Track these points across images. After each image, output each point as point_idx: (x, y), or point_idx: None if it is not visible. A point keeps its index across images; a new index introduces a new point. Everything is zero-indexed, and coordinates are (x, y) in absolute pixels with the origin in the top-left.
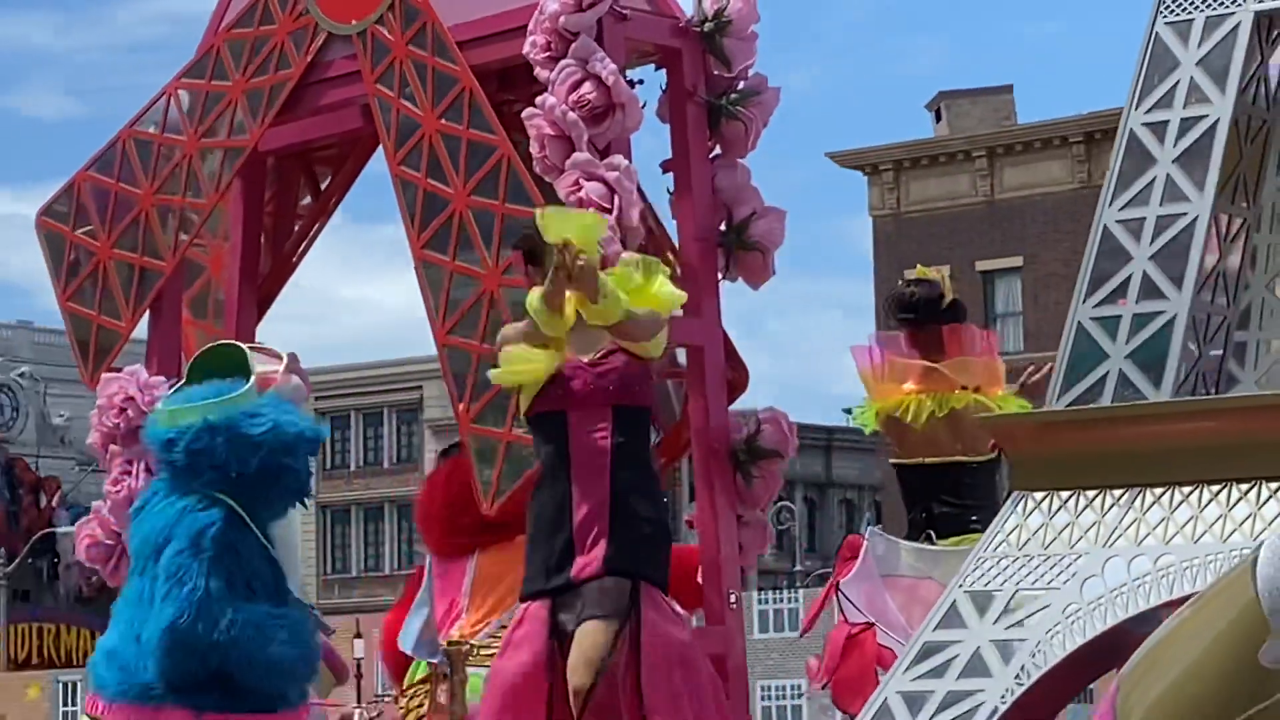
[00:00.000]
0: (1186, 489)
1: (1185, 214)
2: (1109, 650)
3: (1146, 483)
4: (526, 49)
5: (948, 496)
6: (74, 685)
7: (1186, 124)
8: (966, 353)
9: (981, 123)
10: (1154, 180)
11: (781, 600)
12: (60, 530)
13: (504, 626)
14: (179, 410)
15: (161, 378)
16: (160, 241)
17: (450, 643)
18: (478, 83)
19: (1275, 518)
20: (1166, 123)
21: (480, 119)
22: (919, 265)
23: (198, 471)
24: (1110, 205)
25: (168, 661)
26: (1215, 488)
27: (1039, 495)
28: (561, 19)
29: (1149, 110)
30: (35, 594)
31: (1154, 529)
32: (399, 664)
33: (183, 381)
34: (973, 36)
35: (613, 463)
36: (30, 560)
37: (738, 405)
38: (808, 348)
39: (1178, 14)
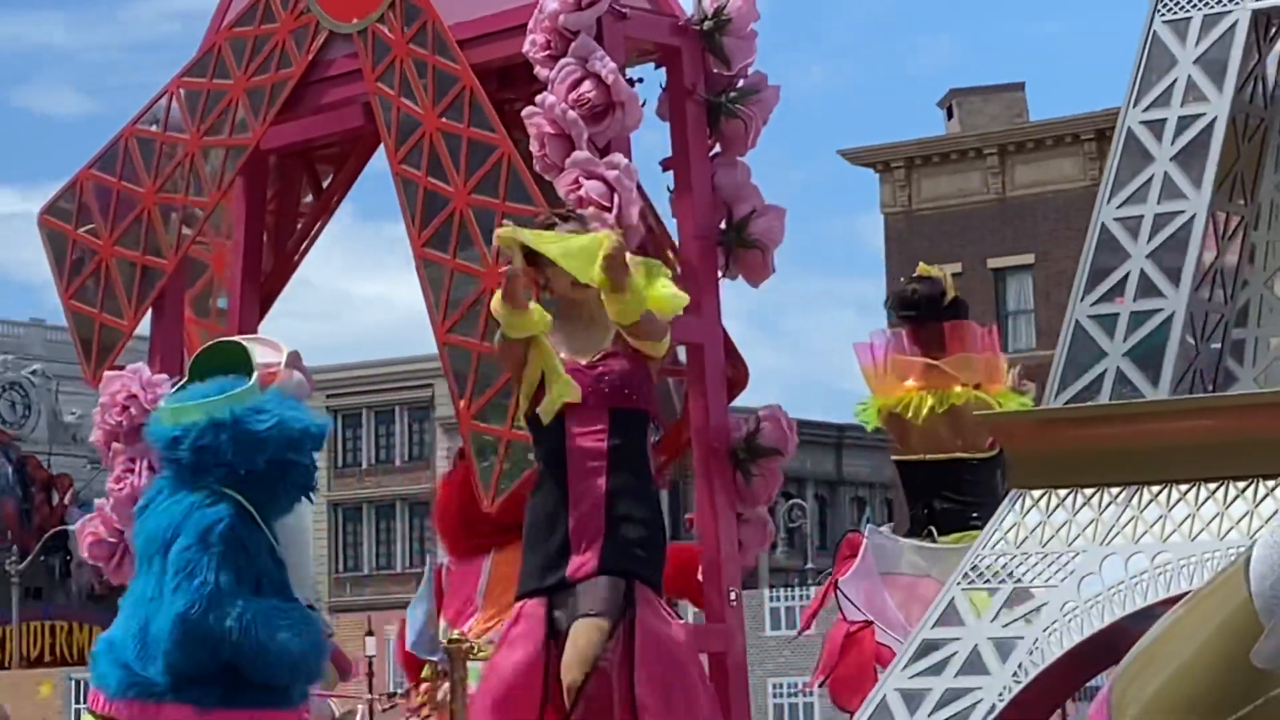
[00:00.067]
0: (1184, 487)
1: (1183, 212)
2: (1106, 648)
3: (1144, 481)
4: (526, 48)
5: (949, 492)
6: (86, 683)
7: (1184, 122)
8: (968, 350)
9: (993, 120)
10: (1152, 178)
11: (793, 598)
12: (72, 528)
13: None
14: (182, 408)
15: (164, 375)
16: (162, 240)
17: (450, 640)
18: (478, 81)
19: (1272, 515)
20: (1164, 121)
21: (481, 117)
22: (921, 263)
23: (204, 469)
24: (1108, 203)
25: (178, 652)
26: (1212, 486)
27: (1037, 493)
28: (561, 18)
29: (1147, 108)
30: (47, 592)
31: (1151, 527)
32: (413, 659)
33: (185, 380)
34: (984, 34)
35: (609, 465)
36: (42, 558)
37: (748, 404)
38: (819, 345)
39: (1175, 12)
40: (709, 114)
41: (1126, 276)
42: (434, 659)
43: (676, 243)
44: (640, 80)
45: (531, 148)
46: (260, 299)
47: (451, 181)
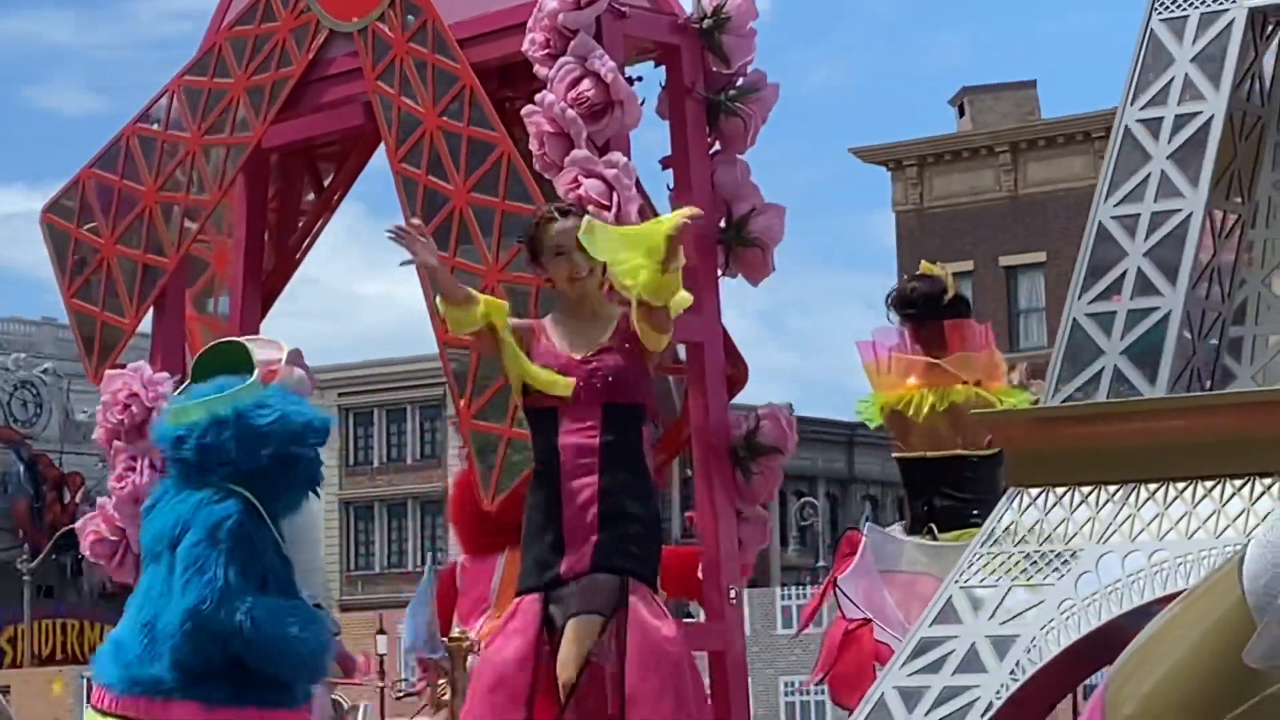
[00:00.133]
0: (1181, 485)
1: (1180, 210)
2: (1104, 646)
3: (1141, 478)
4: (525, 46)
5: (949, 490)
6: None
7: (1181, 120)
8: (968, 348)
9: (1005, 118)
10: (1149, 176)
11: (805, 596)
12: None
13: None
14: (185, 408)
15: (165, 374)
16: (164, 238)
17: (451, 638)
18: (478, 80)
19: (1268, 513)
20: (1161, 119)
21: (480, 116)
22: (924, 261)
23: (209, 466)
24: (1105, 201)
25: (188, 646)
26: (1209, 483)
27: (1035, 491)
28: (560, 16)
29: (1144, 107)
30: (59, 590)
31: (1148, 525)
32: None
33: (188, 382)
34: (996, 32)
35: (602, 461)
36: (54, 556)
37: (757, 401)
38: (830, 343)
39: (1172, 10)
40: (708, 112)
41: (1124, 275)
42: (435, 657)
43: None
44: (639, 78)
45: (531, 146)
46: (262, 297)
47: (451, 180)
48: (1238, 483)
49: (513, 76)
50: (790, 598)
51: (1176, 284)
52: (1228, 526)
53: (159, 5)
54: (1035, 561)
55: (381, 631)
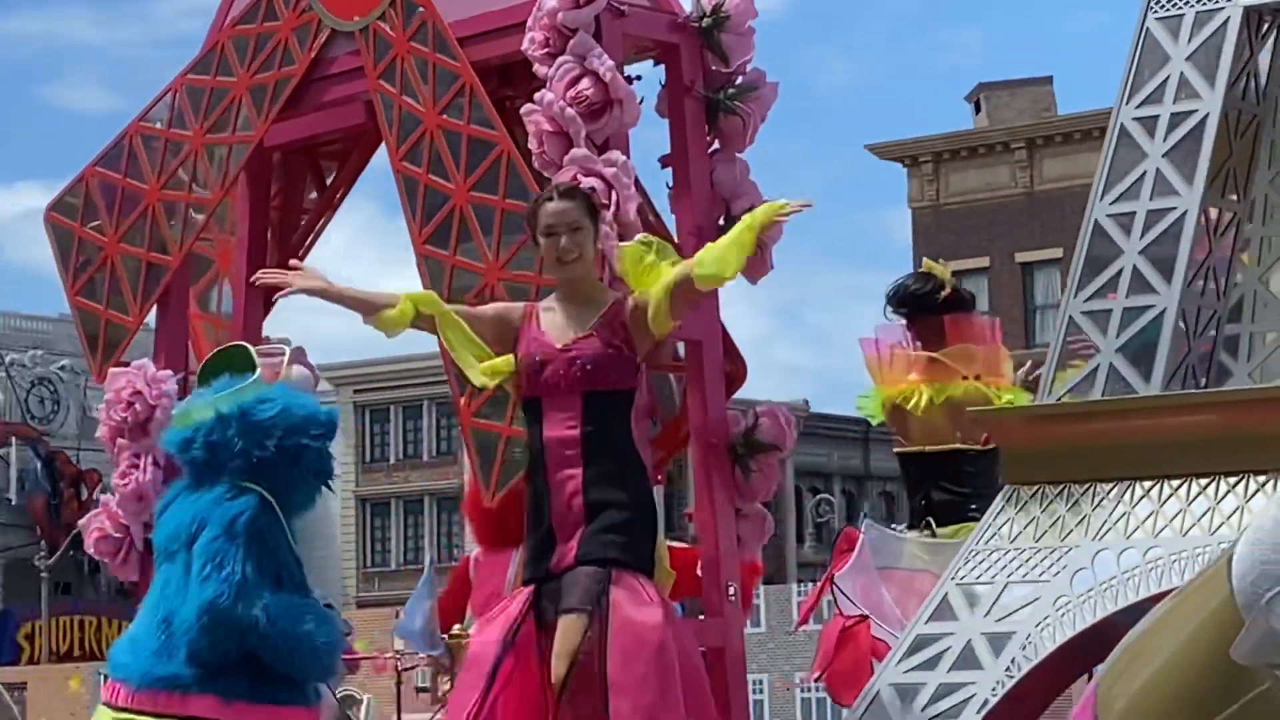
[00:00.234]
0: (1175, 482)
1: (1175, 208)
2: (1099, 643)
3: (1136, 476)
4: (525, 45)
5: (947, 484)
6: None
7: (1176, 119)
8: (968, 341)
9: (1021, 114)
10: (1144, 175)
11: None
12: None
13: None
14: (190, 410)
15: (169, 371)
16: (167, 236)
17: (451, 635)
18: (478, 78)
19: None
20: (1157, 117)
21: (481, 115)
22: (926, 259)
23: (219, 463)
24: (1101, 200)
25: (205, 639)
26: (1203, 481)
27: (1030, 488)
28: (560, 15)
29: (1139, 105)
30: (76, 587)
31: (1143, 522)
32: (449, 613)
33: (195, 387)
34: (1012, 28)
35: (584, 453)
36: (71, 553)
37: (772, 397)
38: (846, 340)
39: (1168, 9)
40: (707, 111)
41: (1119, 273)
42: (435, 654)
43: (675, 239)
44: (639, 77)
45: (530, 145)
46: (264, 295)
47: (452, 178)
48: (1232, 480)
49: (513, 75)
50: (806, 594)
51: (1172, 282)
52: (1222, 524)
53: (178, 3)
54: (1031, 559)
55: None
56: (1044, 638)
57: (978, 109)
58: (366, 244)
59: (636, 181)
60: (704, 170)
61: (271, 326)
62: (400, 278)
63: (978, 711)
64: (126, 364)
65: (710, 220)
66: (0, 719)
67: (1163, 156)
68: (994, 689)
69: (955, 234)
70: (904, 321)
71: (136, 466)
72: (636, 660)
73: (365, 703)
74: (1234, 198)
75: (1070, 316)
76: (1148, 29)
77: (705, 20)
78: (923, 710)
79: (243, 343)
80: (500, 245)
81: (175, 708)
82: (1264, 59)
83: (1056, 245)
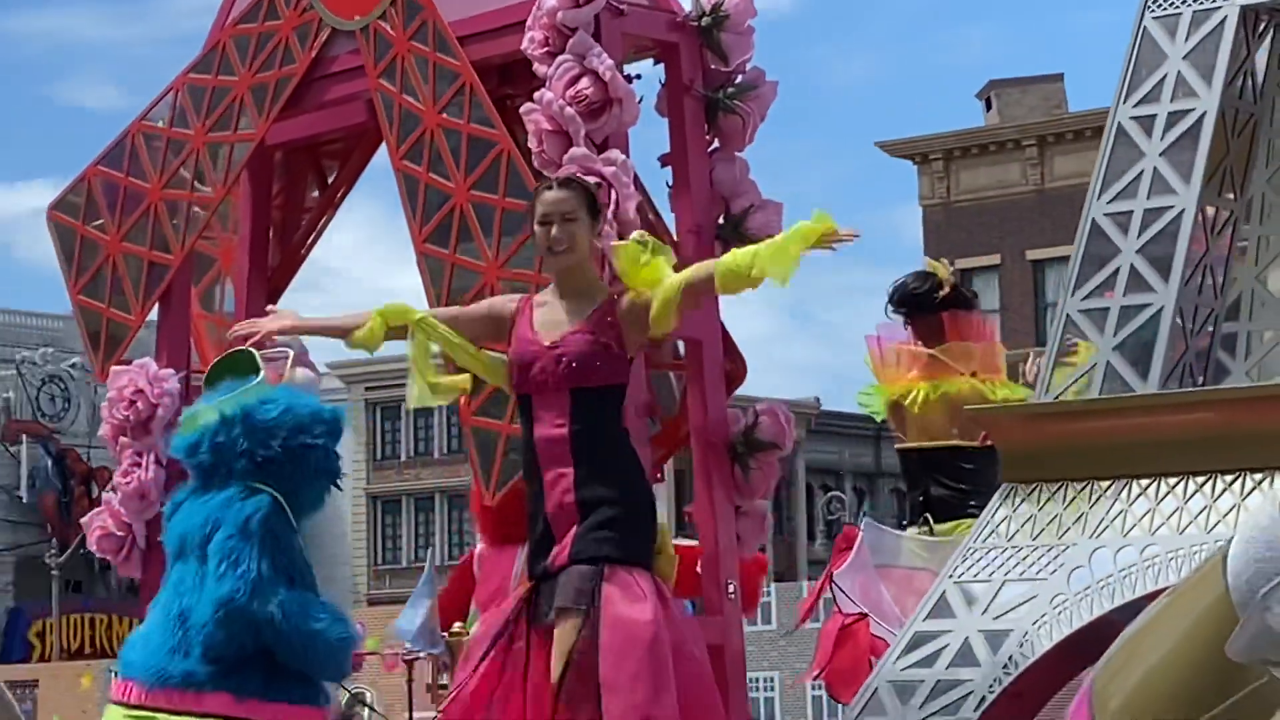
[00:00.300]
0: (1172, 480)
1: (1172, 207)
2: (1096, 640)
3: (1133, 474)
4: (524, 44)
5: (945, 479)
6: None
7: (1174, 117)
8: (966, 339)
9: (1032, 111)
10: (1141, 173)
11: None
12: None
13: None
14: (195, 415)
15: (171, 370)
16: (169, 235)
17: (451, 633)
18: (478, 77)
19: (1255, 508)
20: (1154, 116)
21: (481, 114)
22: (928, 259)
23: (226, 465)
24: (1098, 198)
25: (220, 635)
26: (1200, 479)
27: (1028, 486)
28: (559, 14)
29: (1137, 104)
30: (87, 584)
31: (1140, 520)
32: (452, 606)
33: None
34: (1023, 25)
35: (573, 452)
36: (82, 551)
37: (784, 395)
38: (857, 338)
39: (1165, 8)
40: (707, 110)
41: (1116, 271)
42: (435, 651)
43: (675, 237)
44: (638, 76)
45: (530, 144)
46: (267, 293)
47: (452, 177)
48: (1229, 478)
49: (513, 74)
50: (830, 591)
51: (1169, 280)
52: (1219, 522)
53: (187, 0)
54: (1028, 556)
55: None
56: (1041, 635)
57: (988, 106)
58: (375, 242)
59: (636, 180)
60: (703, 169)
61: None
62: (407, 276)
63: (975, 708)
64: (128, 362)
65: (710, 219)
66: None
67: (1160, 155)
68: (991, 686)
69: (966, 231)
70: (903, 320)
71: (139, 465)
72: (628, 658)
73: (368, 697)
74: (1231, 196)
75: (1068, 315)
76: (1145, 28)
77: (704, 19)
78: (920, 707)
79: (247, 346)
80: (500, 244)
81: (190, 705)
82: (1261, 58)
83: (1067, 243)
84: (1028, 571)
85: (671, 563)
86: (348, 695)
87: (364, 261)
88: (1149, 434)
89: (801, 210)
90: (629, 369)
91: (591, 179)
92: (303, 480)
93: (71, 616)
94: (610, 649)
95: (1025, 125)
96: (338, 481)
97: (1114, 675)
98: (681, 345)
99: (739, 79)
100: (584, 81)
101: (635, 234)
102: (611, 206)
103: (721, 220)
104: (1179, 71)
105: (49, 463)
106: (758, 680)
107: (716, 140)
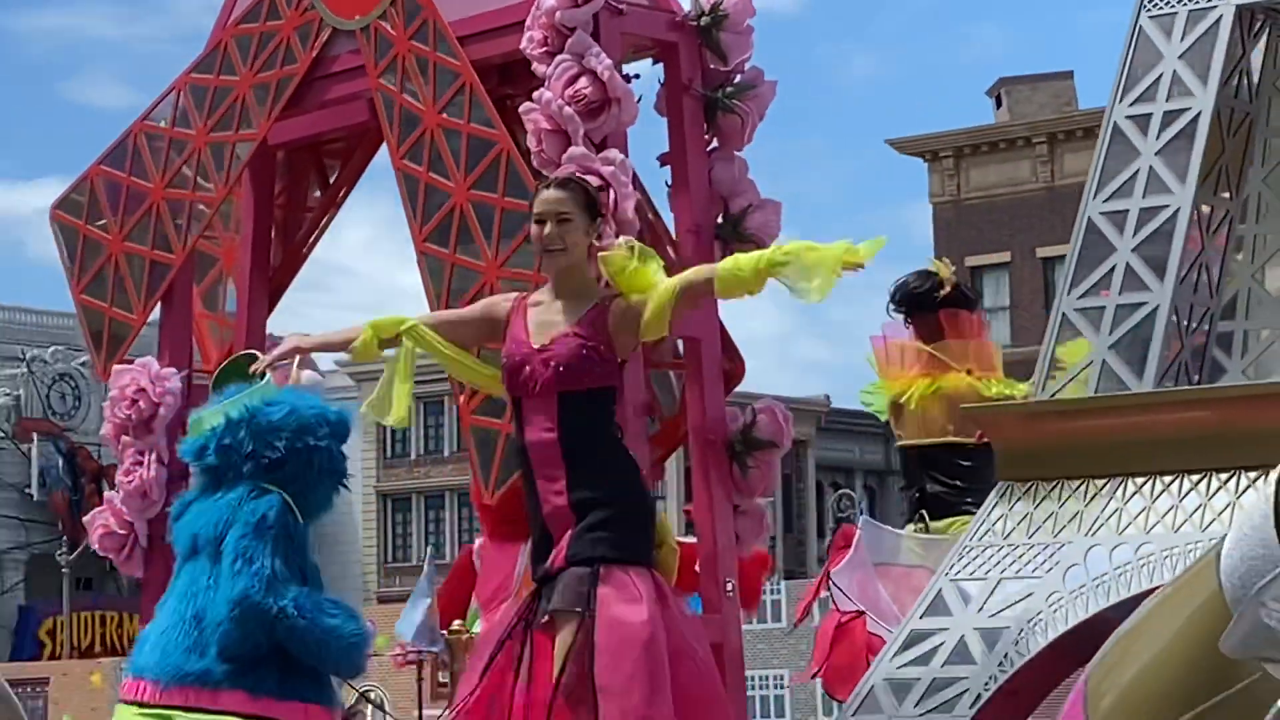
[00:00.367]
0: (1168, 478)
1: (1168, 206)
2: (1091, 638)
3: (1128, 472)
4: (524, 44)
5: (940, 476)
6: None
7: (1169, 117)
8: (962, 337)
9: (1042, 109)
10: (1137, 173)
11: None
12: None
13: None
14: (201, 419)
15: (173, 369)
16: (171, 234)
17: (451, 631)
18: (478, 77)
19: (1249, 506)
20: (1150, 115)
21: (481, 113)
22: (931, 258)
23: (233, 467)
24: (1094, 197)
25: (236, 632)
26: (1195, 477)
27: (1024, 485)
28: (558, 14)
29: (1133, 103)
30: (98, 582)
31: (1135, 518)
32: (452, 605)
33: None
34: (1033, 23)
35: (564, 456)
36: (92, 549)
37: (793, 394)
38: (867, 335)
39: (1161, 7)
40: (706, 109)
41: (1112, 270)
42: (434, 650)
43: (674, 237)
44: (637, 76)
45: (529, 143)
46: (269, 292)
47: (452, 177)
48: (1224, 476)
49: (513, 74)
50: (828, 589)
51: (1164, 279)
52: (1214, 520)
53: None
54: (1024, 555)
55: None
56: (1036, 633)
57: (999, 104)
58: (385, 240)
59: (635, 179)
60: (702, 168)
61: (276, 324)
62: (416, 274)
63: (970, 706)
64: (130, 361)
65: (709, 218)
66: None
67: (1155, 154)
68: (986, 684)
69: (976, 229)
70: (904, 319)
71: (141, 464)
72: (624, 661)
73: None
74: (1226, 195)
75: (1063, 313)
76: (1141, 27)
77: (704, 19)
78: (916, 705)
79: (253, 351)
80: (500, 243)
81: (205, 702)
82: (1256, 57)
83: None
84: (1023, 570)
85: (673, 554)
86: (356, 695)
87: (374, 260)
88: (1144, 432)
89: (810, 209)
90: (619, 372)
91: (590, 178)
92: (309, 481)
93: (82, 614)
94: (606, 651)
95: (1035, 123)
96: (344, 482)
97: (1108, 672)
98: (681, 344)
99: (738, 78)
100: (582, 81)
101: (622, 240)
102: (610, 206)
103: (720, 219)
104: (1174, 71)
105: (60, 461)
106: (768, 678)
107: (715, 140)
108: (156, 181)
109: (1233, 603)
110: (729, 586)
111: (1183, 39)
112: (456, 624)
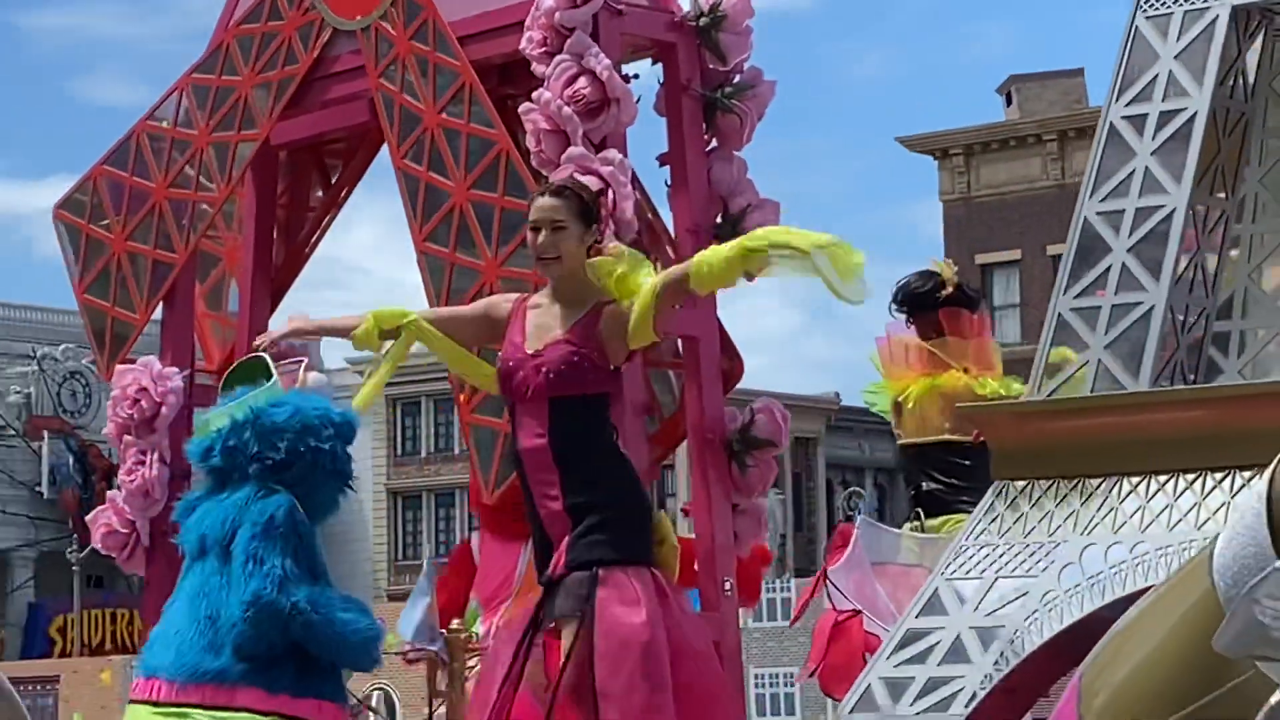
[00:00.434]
0: (1163, 478)
1: (1164, 205)
2: (1087, 637)
3: (1124, 472)
4: (523, 44)
5: (936, 474)
6: None
7: (1165, 117)
8: (961, 336)
9: (1052, 106)
10: (1133, 173)
11: None
12: None
13: None
14: (208, 421)
15: (175, 368)
16: (174, 234)
17: (450, 630)
18: (478, 77)
19: (1243, 505)
20: (1146, 116)
21: (480, 113)
22: (933, 259)
23: (239, 468)
24: (1090, 197)
25: (251, 632)
26: (1190, 476)
27: (1020, 484)
28: (557, 15)
29: (1129, 103)
30: (108, 580)
31: (1130, 518)
32: (451, 605)
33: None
34: (1044, 20)
35: (557, 461)
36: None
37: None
38: (877, 333)
39: (1157, 8)
40: (705, 109)
41: (1108, 270)
42: (434, 649)
43: (673, 236)
44: (636, 76)
45: (528, 143)
46: (271, 292)
47: (452, 176)
48: (1219, 475)
49: (513, 74)
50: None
51: (1160, 279)
52: (1209, 519)
53: None
54: (1020, 554)
55: None
56: (1032, 632)
57: (1009, 101)
58: (394, 238)
59: (634, 179)
60: (701, 168)
61: (278, 324)
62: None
63: (966, 705)
64: (133, 361)
65: (708, 218)
66: (6, 717)
67: (1151, 155)
68: (982, 682)
69: (986, 226)
70: (905, 318)
71: (143, 463)
72: (623, 664)
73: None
74: (1222, 195)
75: (1059, 313)
76: (1137, 28)
77: (703, 19)
78: (913, 703)
79: (261, 354)
80: (499, 243)
81: (222, 699)
82: (1252, 58)
83: None
84: (1019, 569)
85: (674, 552)
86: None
87: (384, 257)
88: (1140, 432)
89: (820, 206)
90: (612, 378)
91: (589, 179)
92: (315, 483)
93: (92, 612)
94: (605, 656)
95: (1046, 120)
96: (349, 483)
97: (1101, 671)
98: (680, 343)
99: (737, 78)
100: (582, 81)
101: (611, 246)
102: (609, 206)
103: (719, 219)
104: (1170, 71)
105: (70, 459)
106: (778, 675)
107: (714, 140)
108: (159, 181)
109: (1226, 601)
110: (727, 585)
111: (1179, 39)
112: (455, 623)
